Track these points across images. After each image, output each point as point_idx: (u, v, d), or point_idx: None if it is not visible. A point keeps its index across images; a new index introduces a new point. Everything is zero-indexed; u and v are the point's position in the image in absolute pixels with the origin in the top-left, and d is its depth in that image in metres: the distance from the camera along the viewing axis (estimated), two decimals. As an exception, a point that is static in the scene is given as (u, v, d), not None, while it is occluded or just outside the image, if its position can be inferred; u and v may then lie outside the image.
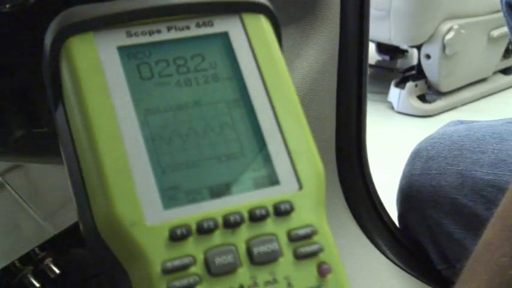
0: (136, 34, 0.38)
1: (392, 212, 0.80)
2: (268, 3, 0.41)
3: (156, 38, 0.39)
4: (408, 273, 0.74)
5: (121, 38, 0.38)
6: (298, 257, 0.37)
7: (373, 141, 0.80)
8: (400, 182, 0.76)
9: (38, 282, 0.57)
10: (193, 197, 0.36)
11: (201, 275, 0.35)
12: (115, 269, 0.36)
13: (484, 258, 0.38)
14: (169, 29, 0.39)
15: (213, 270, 0.35)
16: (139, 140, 0.36)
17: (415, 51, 2.82)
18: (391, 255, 0.75)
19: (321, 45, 0.68)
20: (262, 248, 0.36)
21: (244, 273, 0.35)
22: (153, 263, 0.34)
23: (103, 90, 0.36)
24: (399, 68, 2.97)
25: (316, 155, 0.39)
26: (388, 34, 2.65)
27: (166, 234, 0.35)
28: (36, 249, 0.57)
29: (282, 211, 0.37)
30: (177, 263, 0.34)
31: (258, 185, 0.38)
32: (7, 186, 0.58)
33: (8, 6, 0.59)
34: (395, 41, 2.72)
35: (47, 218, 0.58)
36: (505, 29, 2.69)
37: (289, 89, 0.40)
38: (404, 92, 2.69)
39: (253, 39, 0.40)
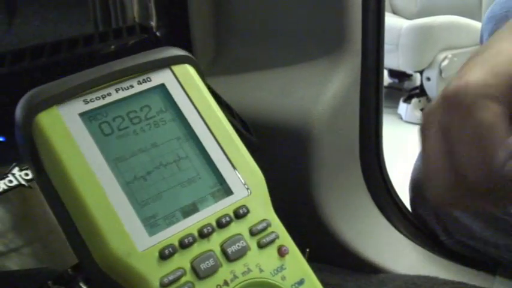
0: (92, 100, 0.36)
1: (404, 197, 0.78)
2: (189, 54, 0.39)
3: (108, 100, 0.36)
4: (418, 244, 0.72)
5: (80, 106, 0.35)
6: (261, 246, 0.35)
7: (387, 144, 0.79)
8: (412, 174, 0.74)
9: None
10: (170, 220, 0.34)
11: (192, 281, 0.33)
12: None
13: None
14: (117, 90, 0.37)
15: (201, 275, 0.33)
16: (115, 185, 0.34)
17: (418, 75, 2.78)
18: (404, 231, 0.73)
19: (347, 71, 0.67)
20: (234, 247, 0.34)
21: (225, 270, 0.34)
22: (152, 281, 0.32)
23: (76, 152, 0.34)
24: (406, 88, 2.92)
25: (255, 166, 0.38)
26: (397, 62, 2.62)
27: (156, 255, 0.33)
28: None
29: (241, 214, 0.36)
30: (171, 276, 0.32)
31: (217, 198, 0.36)
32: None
33: (112, 47, 0.59)
34: (402, 68, 2.70)
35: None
36: (489, 56, 2.63)
37: (221, 117, 0.38)
38: (410, 106, 2.66)
39: (184, 84, 0.38)
